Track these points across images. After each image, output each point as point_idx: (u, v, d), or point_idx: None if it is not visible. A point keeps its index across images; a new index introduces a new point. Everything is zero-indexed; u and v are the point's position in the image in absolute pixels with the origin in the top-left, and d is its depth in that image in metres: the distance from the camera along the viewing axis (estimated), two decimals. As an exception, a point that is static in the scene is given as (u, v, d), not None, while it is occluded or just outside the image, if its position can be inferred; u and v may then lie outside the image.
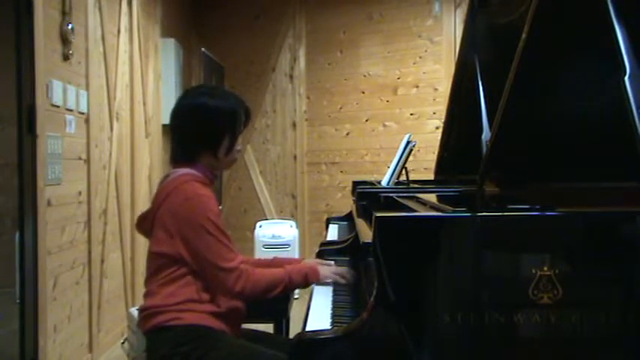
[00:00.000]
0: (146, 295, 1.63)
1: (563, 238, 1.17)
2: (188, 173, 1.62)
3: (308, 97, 5.14)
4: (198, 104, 1.66)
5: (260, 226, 4.70)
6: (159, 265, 1.59)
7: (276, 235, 4.59)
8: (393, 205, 1.72)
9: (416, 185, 2.70)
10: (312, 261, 1.87)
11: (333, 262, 1.86)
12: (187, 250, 1.54)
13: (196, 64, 5.02)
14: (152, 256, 1.62)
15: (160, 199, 1.61)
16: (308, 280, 1.66)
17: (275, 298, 1.63)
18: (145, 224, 1.68)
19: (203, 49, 4.58)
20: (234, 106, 1.68)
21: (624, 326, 1.12)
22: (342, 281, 1.69)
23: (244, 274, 1.54)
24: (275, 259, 1.92)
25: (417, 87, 4.77)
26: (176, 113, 1.69)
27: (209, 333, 1.54)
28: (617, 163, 1.35)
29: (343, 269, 1.74)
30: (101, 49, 3.25)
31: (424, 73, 4.75)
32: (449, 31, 4.64)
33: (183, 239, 1.54)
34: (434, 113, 4.67)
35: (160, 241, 1.58)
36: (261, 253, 4.50)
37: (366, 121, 4.95)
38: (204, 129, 1.65)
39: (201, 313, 1.55)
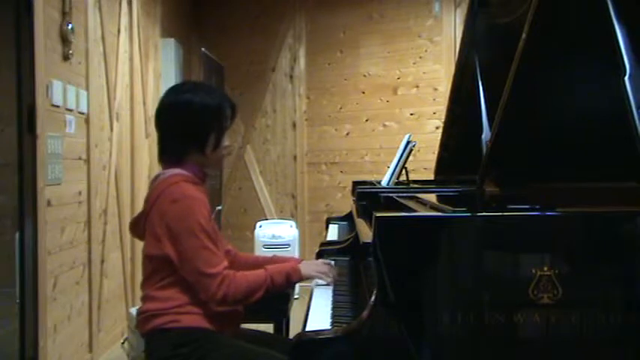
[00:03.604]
0: (143, 299, 1.62)
1: (563, 238, 1.17)
2: (177, 174, 1.59)
3: (308, 97, 5.14)
4: (181, 101, 1.62)
5: (260, 226, 4.70)
6: (153, 268, 1.58)
7: (276, 235, 4.59)
8: (393, 205, 1.72)
9: (416, 185, 2.70)
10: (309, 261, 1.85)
11: (332, 262, 1.85)
12: (174, 253, 1.52)
13: (196, 64, 5.02)
14: (145, 258, 1.61)
15: (150, 202, 1.60)
16: (290, 280, 1.63)
17: (275, 298, 1.63)
18: (138, 227, 1.67)
19: (203, 49, 4.58)
20: (219, 101, 1.64)
21: (624, 326, 1.12)
22: (327, 279, 1.67)
23: (227, 280, 1.50)
24: (274, 257, 1.91)
25: (417, 87, 4.77)
26: (160, 111, 1.66)
27: (208, 335, 1.54)
28: (617, 163, 1.35)
29: (326, 266, 1.72)
30: (101, 49, 3.25)
31: (424, 73, 4.75)
32: (449, 31, 4.64)
33: (170, 241, 1.52)
34: (434, 113, 4.67)
35: (151, 243, 1.57)
36: (261, 253, 4.50)
37: (366, 121, 4.95)
38: (190, 126, 1.61)
39: (200, 315, 1.54)
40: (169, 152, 1.65)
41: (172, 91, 1.70)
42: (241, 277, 1.54)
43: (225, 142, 1.67)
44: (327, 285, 1.68)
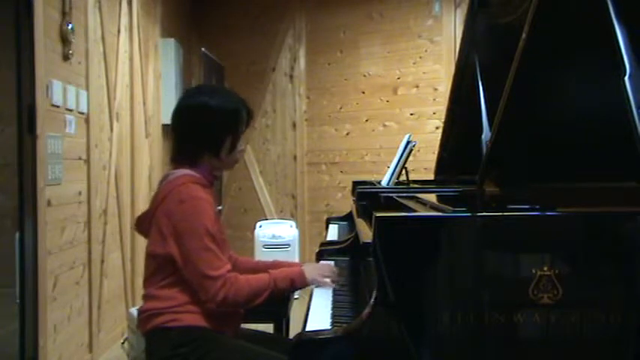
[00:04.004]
0: (145, 298, 1.62)
1: (563, 238, 1.17)
2: (186, 174, 1.60)
3: (308, 97, 5.13)
4: (199, 104, 1.64)
5: (260, 226, 4.70)
6: (155, 266, 1.59)
7: (276, 235, 4.59)
8: (393, 205, 1.72)
9: (416, 185, 2.70)
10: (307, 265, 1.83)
11: (332, 262, 1.85)
12: (178, 253, 1.52)
13: (196, 64, 5.02)
14: (149, 257, 1.62)
15: (157, 201, 1.60)
16: (295, 286, 1.63)
17: (275, 298, 1.62)
18: (144, 225, 1.67)
19: (203, 49, 4.58)
20: (236, 105, 1.66)
21: (624, 326, 1.12)
22: (330, 285, 1.66)
23: (228, 282, 1.50)
24: (275, 262, 1.91)
25: (417, 87, 4.77)
26: (177, 113, 1.67)
27: (208, 334, 1.54)
28: (617, 163, 1.35)
29: (331, 271, 1.71)
30: (101, 49, 3.25)
31: (424, 73, 4.74)
32: (449, 31, 4.64)
33: (175, 241, 1.53)
34: (434, 113, 4.67)
35: (156, 242, 1.57)
36: (261, 253, 4.50)
37: (366, 121, 4.95)
38: (206, 129, 1.63)
39: (200, 314, 1.55)
40: (184, 154, 1.66)
41: (190, 94, 1.71)
42: (244, 281, 1.54)
43: (241, 146, 1.68)
44: (327, 287, 1.67)
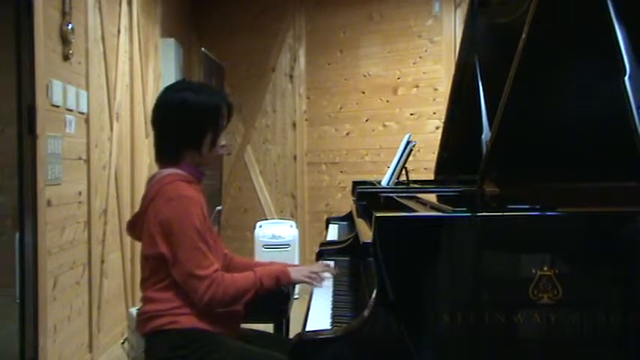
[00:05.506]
0: (143, 300, 1.62)
1: (563, 238, 1.17)
2: (172, 173, 1.59)
3: (308, 97, 5.13)
4: (178, 100, 1.61)
5: (260, 226, 4.70)
6: (151, 268, 1.58)
7: (276, 235, 4.59)
8: (393, 205, 1.72)
9: (416, 185, 2.70)
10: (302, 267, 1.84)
11: (332, 263, 1.85)
12: (168, 252, 1.52)
13: (196, 64, 5.02)
14: (143, 259, 1.61)
15: (146, 202, 1.60)
16: (280, 283, 1.64)
17: (275, 298, 1.63)
18: (136, 228, 1.66)
19: (203, 49, 4.58)
20: (217, 100, 1.64)
21: (624, 326, 1.12)
22: (316, 283, 1.66)
23: (215, 283, 1.50)
24: (271, 263, 1.90)
25: (417, 87, 4.77)
26: (157, 110, 1.65)
27: (206, 336, 1.54)
28: (617, 163, 1.35)
29: (317, 269, 1.72)
30: (101, 49, 3.25)
31: (424, 73, 4.74)
32: (449, 31, 4.64)
33: (164, 240, 1.52)
34: (434, 113, 4.67)
35: (148, 243, 1.57)
36: (261, 253, 4.50)
37: (366, 121, 4.95)
38: (186, 125, 1.60)
39: (199, 316, 1.54)
40: (166, 152, 1.64)
41: (168, 90, 1.69)
42: (230, 280, 1.54)
43: (222, 141, 1.66)
44: (327, 286, 1.66)
